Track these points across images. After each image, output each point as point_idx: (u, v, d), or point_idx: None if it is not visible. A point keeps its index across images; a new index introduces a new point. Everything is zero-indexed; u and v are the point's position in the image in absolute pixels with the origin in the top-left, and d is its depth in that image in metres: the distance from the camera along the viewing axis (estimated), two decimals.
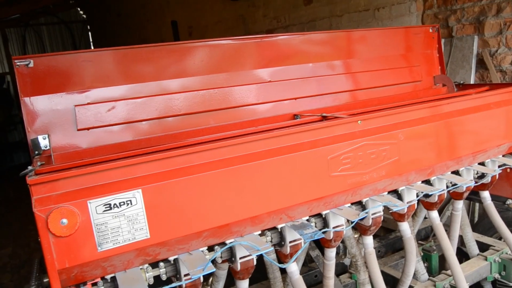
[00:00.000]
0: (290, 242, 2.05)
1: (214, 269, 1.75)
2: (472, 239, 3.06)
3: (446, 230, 2.61)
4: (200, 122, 2.45)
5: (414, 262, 2.61)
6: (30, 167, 1.62)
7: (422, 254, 3.10)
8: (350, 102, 2.88)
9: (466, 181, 2.49)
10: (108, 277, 1.73)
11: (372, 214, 2.26)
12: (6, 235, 6.85)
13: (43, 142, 2.06)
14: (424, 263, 3.10)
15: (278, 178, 1.90)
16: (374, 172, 2.15)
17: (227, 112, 2.52)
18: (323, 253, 2.38)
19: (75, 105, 2.17)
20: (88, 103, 2.20)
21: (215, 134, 2.33)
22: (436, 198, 2.53)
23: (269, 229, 2.06)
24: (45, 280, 1.88)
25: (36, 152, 1.96)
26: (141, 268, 1.78)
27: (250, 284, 2.17)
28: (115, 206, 1.59)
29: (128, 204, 1.61)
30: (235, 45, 2.64)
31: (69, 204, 1.52)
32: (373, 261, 2.36)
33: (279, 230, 2.05)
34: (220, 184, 1.76)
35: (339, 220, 2.16)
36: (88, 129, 2.21)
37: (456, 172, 2.60)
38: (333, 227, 2.16)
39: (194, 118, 2.44)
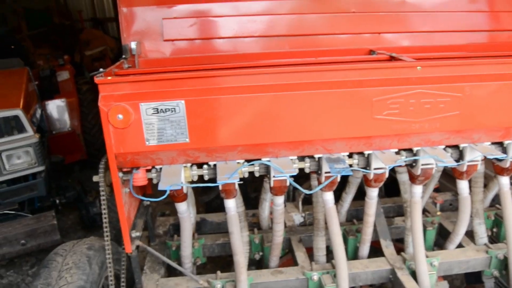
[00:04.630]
0: (326, 172, 2.17)
1: (237, 180, 2.00)
2: None
3: None
4: (274, 45, 2.58)
5: (466, 223, 2.52)
6: (101, 69, 1.98)
7: (493, 218, 2.92)
8: (442, 45, 2.67)
9: None
10: (158, 167, 2.11)
11: (423, 164, 2.22)
12: None
13: (134, 47, 2.42)
14: (493, 228, 2.94)
15: (318, 110, 1.99)
16: (426, 123, 2.08)
17: (303, 39, 2.59)
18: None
19: (163, 18, 2.47)
20: (174, 17, 2.48)
21: (286, 59, 2.44)
22: (508, 164, 2.34)
23: (309, 157, 2.19)
24: None
25: (124, 56, 2.34)
26: (185, 166, 2.10)
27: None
28: (161, 111, 1.90)
29: (172, 111, 1.90)
30: None
31: (125, 104, 1.87)
32: (417, 211, 2.35)
33: (317, 159, 2.18)
34: (258, 107, 1.93)
35: (381, 163, 2.18)
36: (172, 40, 2.51)
37: None
38: (374, 168, 2.20)
39: (268, 41, 2.56)
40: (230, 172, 2.02)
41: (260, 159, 2.13)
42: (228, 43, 2.56)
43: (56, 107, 4.07)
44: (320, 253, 2.56)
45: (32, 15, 8.68)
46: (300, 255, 2.58)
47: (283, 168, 2.02)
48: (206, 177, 2.16)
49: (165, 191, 2.00)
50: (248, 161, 2.14)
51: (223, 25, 2.52)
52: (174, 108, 1.90)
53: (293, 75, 1.98)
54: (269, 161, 2.11)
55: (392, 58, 2.31)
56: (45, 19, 8.82)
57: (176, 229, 2.95)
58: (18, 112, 3.23)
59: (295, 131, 2.02)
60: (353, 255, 2.74)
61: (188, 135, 1.95)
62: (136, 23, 2.48)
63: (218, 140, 1.98)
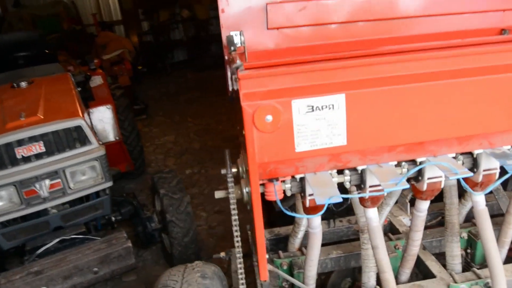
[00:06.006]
0: (484, 170, 1.86)
1: (408, 186, 1.68)
2: None
3: None
4: (391, 29, 2.25)
5: None
6: (238, 62, 1.64)
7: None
8: None
9: None
10: (297, 176, 1.77)
11: None
12: (170, 125, 7.63)
13: (236, 38, 2.07)
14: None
15: (484, 99, 1.68)
16: None
17: (420, 21, 2.27)
18: None
19: (267, 3, 2.12)
20: (280, 1, 2.14)
21: (414, 44, 2.12)
22: None
23: (461, 154, 1.89)
24: (233, 170, 1.99)
25: (232, 48, 1.99)
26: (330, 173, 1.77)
27: None
28: (317, 108, 1.56)
29: (330, 108, 1.57)
30: None
31: (275, 102, 1.53)
32: None
33: (474, 156, 1.87)
34: (430, 97, 1.62)
35: None
36: (277, 28, 2.17)
37: None
38: None
39: (388, 24, 2.24)
40: (394, 177, 1.68)
41: (413, 160, 1.81)
42: (340, 29, 2.22)
43: (102, 115, 3.70)
44: (456, 261, 2.25)
45: (40, 22, 8.22)
46: (433, 264, 2.27)
47: (457, 169, 1.71)
48: (347, 184, 1.83)
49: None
50: (398, 162, 1.83)
51: (335, 8, 2.19)
52: (333, 104, 1.57)
53: (455, 60, 1.66)
54: (427, 161, 1.79)
55: None
56: (53, 25, 8.36)
57: (272, 244, 2.62)
58: (81, 122, 2.83)
59: (462, 124, 1.71)
60: (482, 260, 2.44)
61: (346, 136, 1.62)
62: (236, 10, 2.14)
63: (380, 140, 1.66)
